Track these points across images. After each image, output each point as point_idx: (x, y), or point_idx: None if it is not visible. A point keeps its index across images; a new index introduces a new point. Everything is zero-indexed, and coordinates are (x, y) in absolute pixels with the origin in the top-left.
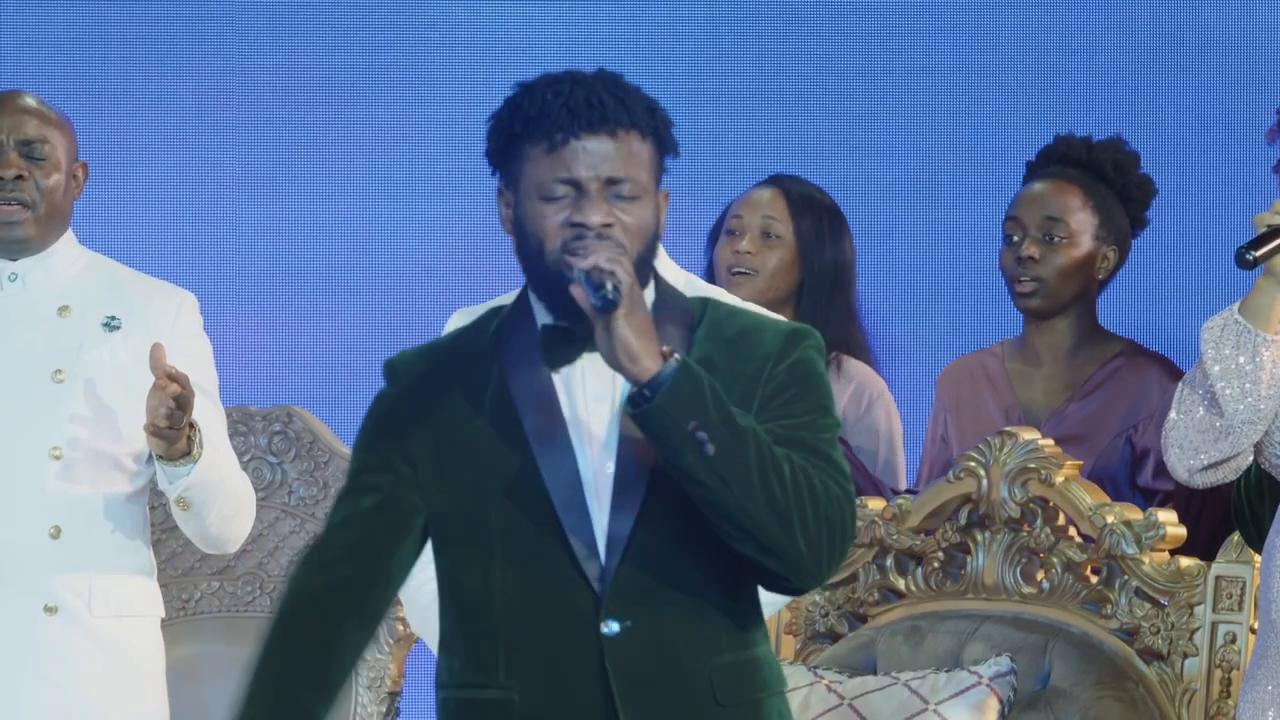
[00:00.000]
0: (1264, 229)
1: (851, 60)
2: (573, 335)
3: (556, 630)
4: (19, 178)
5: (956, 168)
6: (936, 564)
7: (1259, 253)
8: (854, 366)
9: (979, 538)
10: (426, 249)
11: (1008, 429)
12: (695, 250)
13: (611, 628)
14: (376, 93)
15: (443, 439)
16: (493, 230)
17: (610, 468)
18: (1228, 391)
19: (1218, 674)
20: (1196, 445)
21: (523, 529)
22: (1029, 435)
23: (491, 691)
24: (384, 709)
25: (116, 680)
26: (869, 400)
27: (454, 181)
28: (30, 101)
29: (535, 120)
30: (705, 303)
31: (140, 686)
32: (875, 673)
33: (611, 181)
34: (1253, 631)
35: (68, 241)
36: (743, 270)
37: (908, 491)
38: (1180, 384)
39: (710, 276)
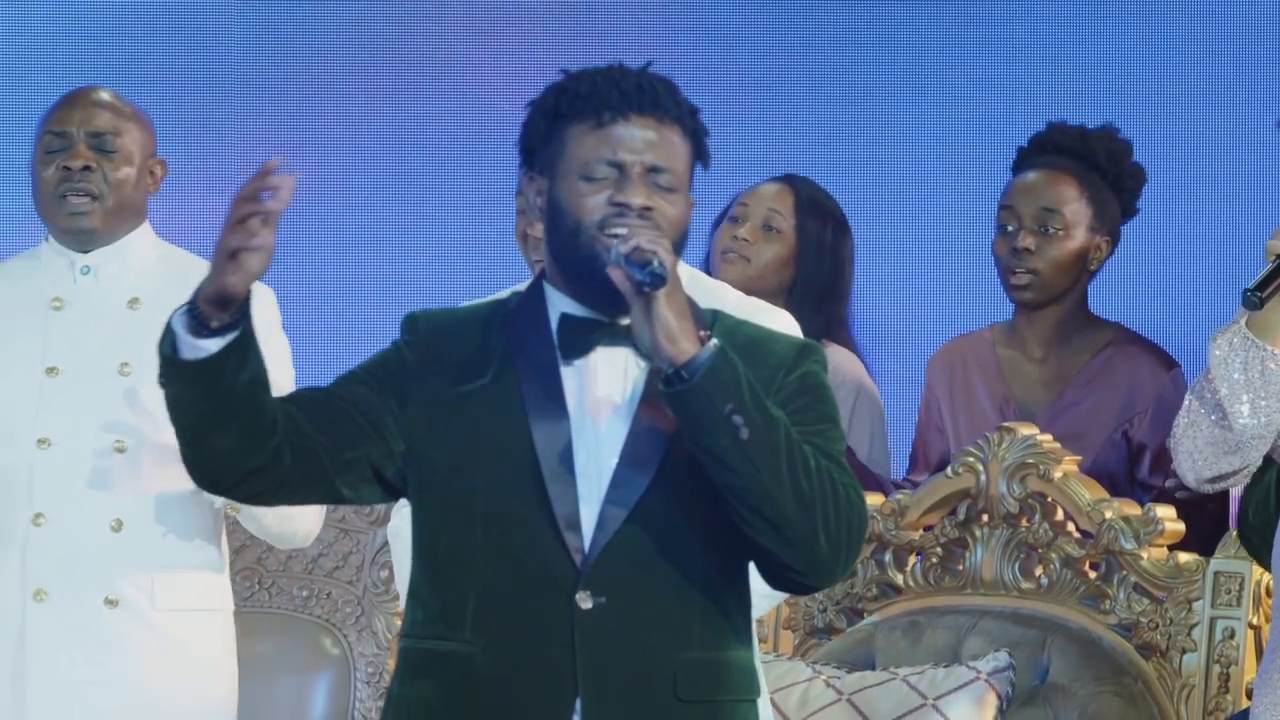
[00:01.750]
0: (1274, 258)
1: (848, 52)
2: (589, 326)
3: (530, 595)
4: (86, 169)
5: (953, 157)
6: (935, 559)
7: (1265, 294)
8: (833, 351)
9: (977, 533)
10: (430, 245)
11: (1006, 425)
12: (698, 244)
13: (586, 602)
14: (380, 89)
15: (441, 392)
16: (496, 227)
17: (613, 461)
18: (1235, 407)
19: (1216, 669)
20: (1206, 457)
21: (508, 491)
22: (1027, 431)
23: (453, 644)
24: (383, 704)
25: (178, 675)
26: (849, 391)
27: (458, 178)
28: (104, 95)
29: (584, 99)
30: (716, 314)
31: (203, 682)
32: (874, 668)
33: (653, 169)
34: (1251, 627)
35: (142, 234)
36: (737, 254)
37: (906, 480)
38: (1188, 394)
39: (706, 262)
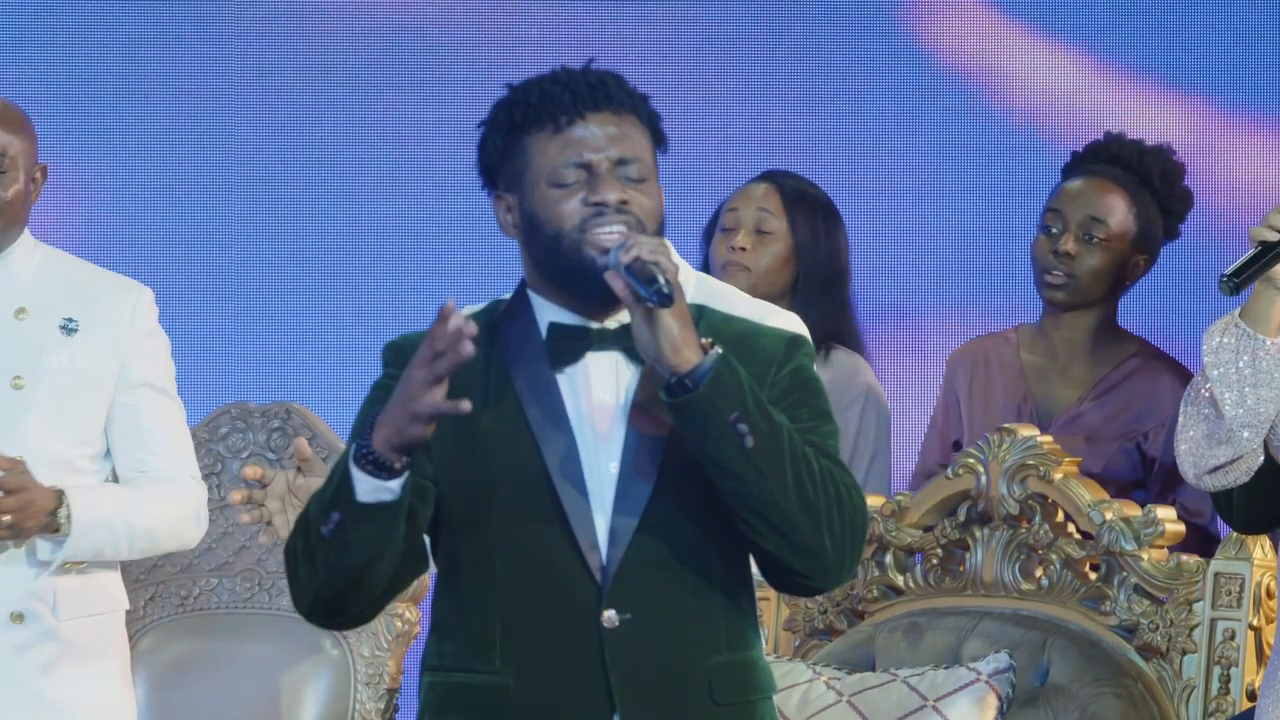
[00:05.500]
0: (1256, 244)
1: (848, 52)
2: (578, 334)
3: (556, 619)
4: None
5: (959, 160)
6: (935, 560)
7: (1240, 279)
8: (843, 356)
9: (978, 534)
10: (426, 245)
11: (1007, 426)
12: (693, 246)
13: (612, 619)
14: (376, 89)
15: (445, 428)
16: (493, 226)
17: (614, 466)
18: (1226, 395)
19: (1216, 670)
20: (1201, 449)
21: (525, 517)
22: (1028, 432)
23: (485, 676)
24: (383, 705)
25: (85, 680)
26: (853, 398)
27: (454, 177)
28: None
29: (538, 107)
30: (700, 309)
31: (107, 683)
32: (874, 669)
33: (621, 162)
34: (1252, 629)
35: (23, 242)
36: (737, 265)
37: (947, 463)
38: (1187, 389)
39: (706, 273)
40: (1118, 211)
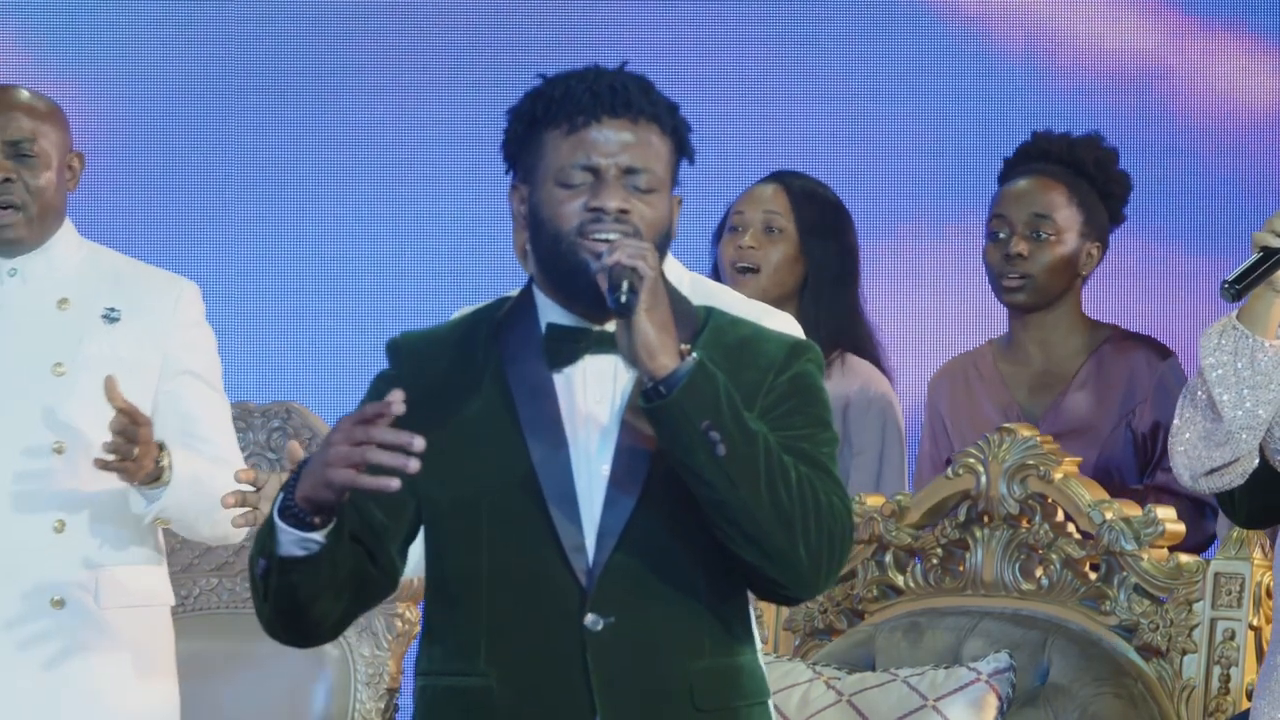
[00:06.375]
0: (1258, 250)
1: (853, 56)
2: (576, 335)
3: (540, 621)
4: (7, 180)
5: (959, 163)
6: (935, 560)
7: (1241, 285)
8: (858, 364)
9: (978, 534)
10: (427, 245)
11: (1006, 425)
12: (700, 250)
13: (595, 623)
14: (378, 89)
15: (438, 425)
16: (495, 227)
17: (605, 469)
18: (1225, 397)
19: (1216, 670)
20: (1198, 451)
21: (513, 519)
22: (1028, 432)
23: (471, 680)
24: (382, 705)
25: (126, 672)
26: (874, 416)
27: (455, 177)
28: (21, 97)
29: (558, 103)
30: (709, 311)
31: (149, 676)
32: (874, 669)
33: (629, 171)
34: (1252, 629)
35: (66, 233)
36: (747, 265)
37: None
38: (1183, 390)
39: (715, 276)
40: (1060, 205)
